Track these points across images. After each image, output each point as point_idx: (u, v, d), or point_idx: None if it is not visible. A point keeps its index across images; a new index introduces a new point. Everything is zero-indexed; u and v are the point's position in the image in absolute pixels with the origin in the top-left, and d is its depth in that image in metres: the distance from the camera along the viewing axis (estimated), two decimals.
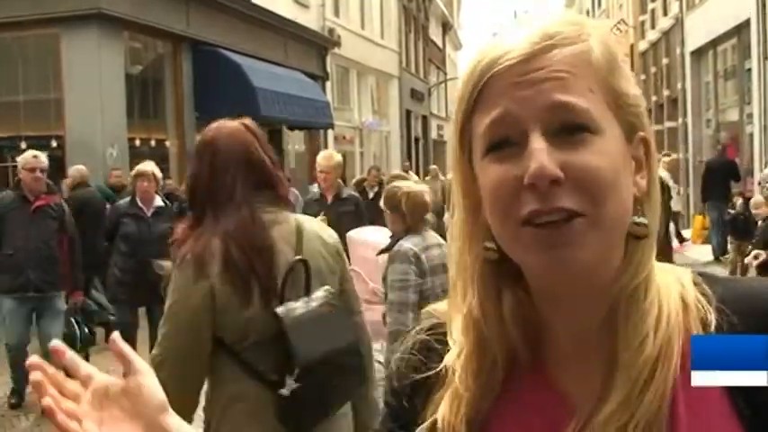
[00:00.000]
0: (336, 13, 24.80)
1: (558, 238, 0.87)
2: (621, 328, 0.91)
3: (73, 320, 7.36)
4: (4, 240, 7.12)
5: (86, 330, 7.50)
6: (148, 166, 7.87)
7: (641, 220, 0.94)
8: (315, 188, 14.65)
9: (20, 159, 7.48)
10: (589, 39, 0.92)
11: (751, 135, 17.78)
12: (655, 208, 0.97)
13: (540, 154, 0.86)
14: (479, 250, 0.98)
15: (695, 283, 0.96)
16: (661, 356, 0.90)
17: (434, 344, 1.04)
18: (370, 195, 12.12)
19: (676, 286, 0.96)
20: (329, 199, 7.76)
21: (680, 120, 24.06)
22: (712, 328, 0.91)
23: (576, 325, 0.95)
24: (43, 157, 7.35)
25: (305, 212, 7.87)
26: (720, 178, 15.14)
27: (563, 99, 0.88)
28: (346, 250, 6.37)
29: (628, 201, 0.92)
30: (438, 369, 1.02)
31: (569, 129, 0.88)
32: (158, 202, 7.79)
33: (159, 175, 8.05)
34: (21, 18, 12.65)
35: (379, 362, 7.01)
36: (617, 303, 0.92)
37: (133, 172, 7.99)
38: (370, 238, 6.81)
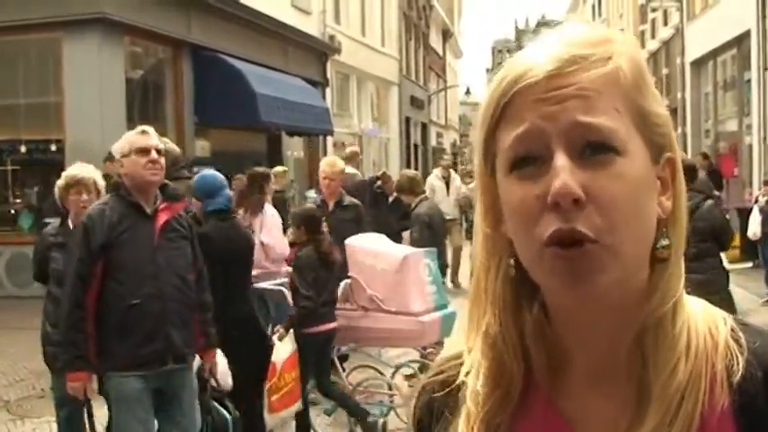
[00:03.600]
0: (337, 19, 24.82)
1: (578, 263, 0.86)
2: (651, 354, 0.90)
3: (214, 402, 5.22)
4: (114, 280, 4.33)
5: (227, 413, 5.27)
6: (85, 170, 5.34)
7: (664, 242, 0.93)
8: (312, 193, 14.69)
9: (122, 144, 4.57)
10: (617, 57, 0.90)
11: (750, 146, 17.80)
12: (680, 230, 0.95)
13: (564, 172, 0.85)
14: (500, 266, 0.98)
15: (732, 329, 0.94)
16: (690, 385, 0.89)
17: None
18: (390, 200, 12.05)
19: (706, 319, 0.95)
20: (330, 206, 7.75)
21: (679, 130, 24.07)
22: (738, 376, 0.90)
23: (596, 351, 0.94)
24: (155, 135, 4.68)
25: None
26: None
27: (587, 120, 0.87)
28: (345, 257, 6.44)
29: (650, 224, 0.91)
30: (453, 387, 1.02)
31: (594, 148, 0.87)
32: None
33: (102, 183, 5.33)
34: (23, 22, 12.65)
35: (377, 369, 7.02)
36: (645, 329, 0.91)
37: (61, 180, 5.27)
38: (370, 245, 6.82)
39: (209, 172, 6.31)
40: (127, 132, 4.65)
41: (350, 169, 11.80)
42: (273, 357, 5.69)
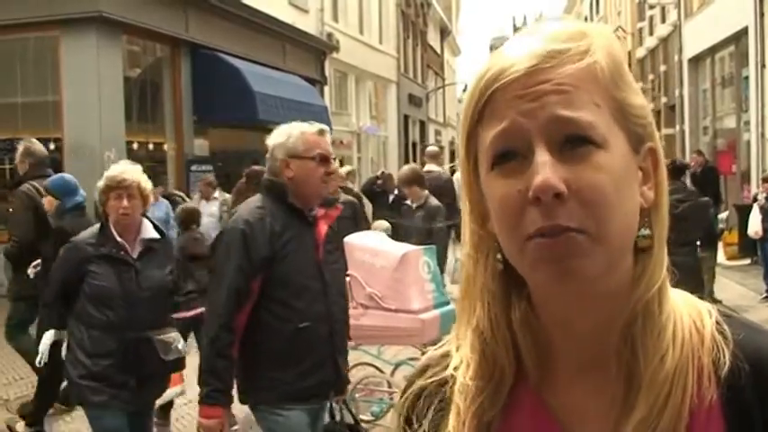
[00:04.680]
0: (335, 17, 24.82)
1: (563, 249, 0.86)
2: (640, 343, 0.91)
3: None
4: (274, 299, 3.69)
5: None
6: (129, 171, 4.53)
7: (646, 232, 0.94)
8: None
9: (294, 141, 3.75)
10: (595, 52, 0.91)
11: (748, 142, 17.81)
12: (662, 219, 0.96)
13: (545, 167, 0.86)
14: (489, 262, 0.99)
15: (716, 321, 0.95)
16: (677, 376, 0.90)
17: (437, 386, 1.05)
18: (390, 198, 12.01)
19: (690, 311, 0.96)
20: None
21: (677, 127, 24.10)
22: (725, 370, 0.91)
23: (583, 343, 0.95)
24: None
25: None
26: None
27: (566, 114, 0.88)
28: (344, 255, 6.44)
29: (633, 214, 0.92)
30: (441, 383, 1.03)
31: (573, 142, 0.88)
32: (149, 232, 4.59)
33: (149, 188, 4.61)
34: (20, 20, 12.66)
35: (376, 367, 7.03)
36: (632, 319, 0.92)
37: (101, 180, 4.51)
38: (368, 243, 6.82)
39: (64, 174, 7.07)
40: (295, 126, 3.81)
41: (434, 167, 11.81)
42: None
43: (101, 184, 4.48)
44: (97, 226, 4.60)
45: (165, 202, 11.62)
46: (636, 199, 0.92)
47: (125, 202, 4.38)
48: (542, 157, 0.87)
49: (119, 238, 4.42)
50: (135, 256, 4.47)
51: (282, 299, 3.65)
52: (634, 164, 0.93)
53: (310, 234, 3.77)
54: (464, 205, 1.00)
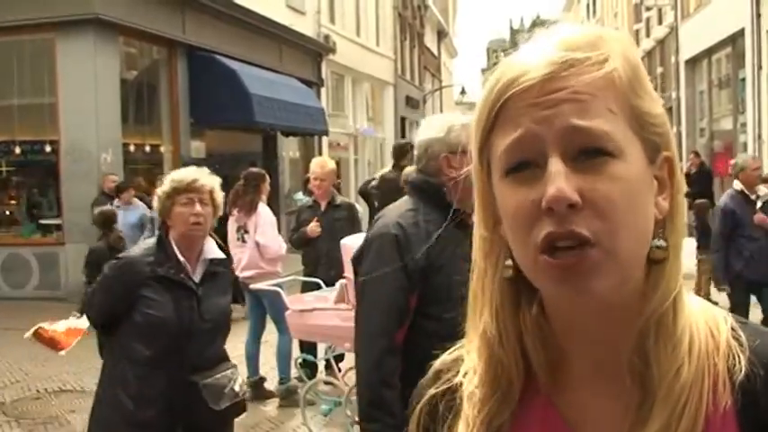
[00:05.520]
0: (332, 19, 24.82)
1: (574, 268, 0.85)
2: (654, 355, 0.90)
3: None
4: (426, 315, 3.08)
5: None
6: (201, 174, 3.75)
7: (660, 243, 0.92)
8: (299, 195, 14.64)
9: (458, 134, 3.16)
10: (613, 59, 0.90)
11: (745, 144, 17.84)
12: (678, 230, 0.95)
13: (558, 177, 0.85)
14: (498, 267, 0.98)
15: (732, 328, 0.94)
16: (694, 385, 0.89)
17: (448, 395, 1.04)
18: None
19: (707, 319, 0.95)
20: (323, 206, 7.74)
21: (674, 128, 24.12)
22: (740, 376, 0.90)
23: (596, 352, 0.94)
24: None
25: (299, 219, 7.89)
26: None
27: (581, 123, 0.86)
28: (341, 257, 6.43)
29: (647, 225, 0.90)
30: (453, 388, 1.02)
31: (588, 152, 0.86)
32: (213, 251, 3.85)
33: (220, 195, 3.83)
34: (17, 22, 12.65)
35: None
36: (647, 330, 0.90)
37: (166, 184, 3.72)
38: None
39: None
40: (452, 117, 3.28)
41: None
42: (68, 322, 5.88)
43: (165, 188, 3.65)
44: (151, 240, 3.72)
45: (142, 205, 11.10)
46: (650, 210, 0.91)
47: (198, 208, 3.60)
48: (556, 166, 0.86)
49: (181, 257, 3.62)
50: (197, 279, 3.68)
51: (435, 314, 3.00)
52: (650, 174, 0.91)
53: (464, 238, 3.12)
54: (477, 210, 0.99)
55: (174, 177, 3.68)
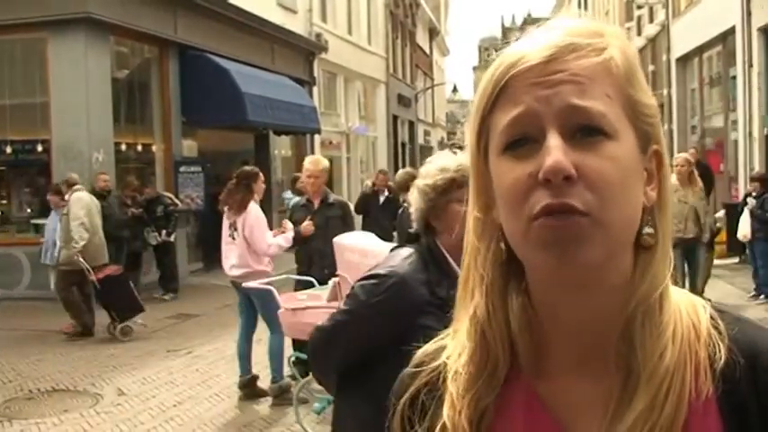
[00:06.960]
0: (324, 18, 24.81)
1: (565, 232, 0.88)
2: (639, 341, 0.92)
3: None
4: None
5: None
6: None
7: (650, 230, 0.96)
8: (288, 194, 14.62)
9: None
10: (611, 49, 0.94)
11: (736, 142, 17.88)
12: (666, 220, 0.98)
13: (556, 150, 0.88)
14: (489, 249, 1.00)
15: (711, 317, 0.97)
16: (676, 371, 0.91)
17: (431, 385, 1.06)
18: (381, 200, 12.03)
19: (688, 308, 0.97)
20: (316, 204, 7.74)
21: (665, 126, 24.16)
22: (721, 364, 0.92)
23: (581, 336, 0.96)
24: None
25: (292, 217, 7.89)
26: None
27: (580, 103, 0.90)
28: (333, 255, 6.44)
29: (636, 207, 0.94)
30: (436, 376, 1.04)
31: (585, 131, 0.90)
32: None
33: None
34: (8, 22, 12.61)
35: None
36: (633, 317, 0.93)
37: (438, 174, 2.81)
38: (357, 242, 6.81)
39: None
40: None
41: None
42: None
43: (435, 179, 2.80)
44: (408, 250, 2.85)
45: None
46: (640, 195, 0.94)
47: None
48: (554, 141, 0.89)
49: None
50: None
51: None
52: (641, 162, 0.95)
53: None
54: (471, 192, 1.02)
55: (442, 165, 2.81)
